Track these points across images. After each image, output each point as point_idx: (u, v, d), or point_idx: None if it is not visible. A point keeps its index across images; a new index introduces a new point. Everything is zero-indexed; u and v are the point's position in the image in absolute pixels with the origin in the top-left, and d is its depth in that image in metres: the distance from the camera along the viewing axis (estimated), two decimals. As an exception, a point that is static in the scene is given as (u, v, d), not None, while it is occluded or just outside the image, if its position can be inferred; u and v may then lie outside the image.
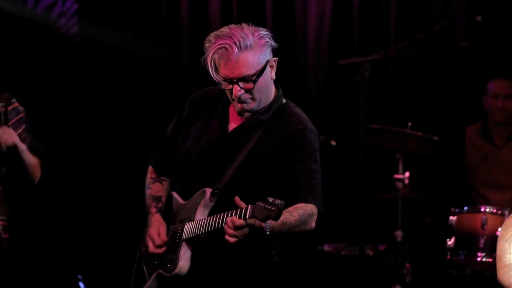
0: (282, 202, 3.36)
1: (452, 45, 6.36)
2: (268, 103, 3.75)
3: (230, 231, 3.48)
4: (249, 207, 3.42)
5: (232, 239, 3.49)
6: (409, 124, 5.94)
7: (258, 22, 3.61)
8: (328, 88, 6.62)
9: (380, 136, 6.03)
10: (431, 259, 6.04)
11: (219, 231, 3.52)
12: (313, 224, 3.61)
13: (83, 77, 6.77)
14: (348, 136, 6.11)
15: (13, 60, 6.31)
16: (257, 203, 3.40)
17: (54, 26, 6.82)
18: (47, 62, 6.65)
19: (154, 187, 3.99)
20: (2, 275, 4.32)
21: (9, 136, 4.10)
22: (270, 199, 3.37)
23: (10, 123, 4.24)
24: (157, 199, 3.94)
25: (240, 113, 3.76)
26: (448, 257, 5.43)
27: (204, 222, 3.64)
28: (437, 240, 5.85)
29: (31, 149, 4.27)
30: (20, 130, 4.28)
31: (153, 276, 3.83)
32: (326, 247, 6.28)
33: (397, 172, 6.01)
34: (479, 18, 6.23)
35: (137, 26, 6.87)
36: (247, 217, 3.41)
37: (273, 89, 3.76)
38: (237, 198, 3.50)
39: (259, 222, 3.47)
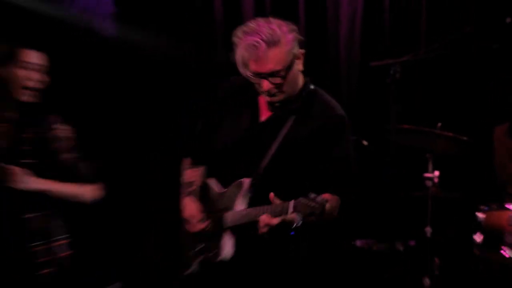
0: (325, 199, 3.37)
1: (481, 46, 6.30)
2: (297, 92, 3.78)
3: (262, 229, 3.56)
4: (291, 202, 3.44)
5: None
6: (439, 124, 5.90)
7: (291, 21, 3.59)
8: (360, 89, 6.63)
9: (411, 136, 5.96)
10: (459, 255, 6.03)
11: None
12: (336, 213, 3.62)
13: (119, 77, 6.80)
14: (379, 136, 6.04)
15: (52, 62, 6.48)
16: (299, 199, 3.42)
17: (92, 28, 6.81)
18: (85, 63, 6.68)
19: (187, 174, 4.09)
20: None
21: (21, 182, 4.07)
22: (312, 195, 3.38)
23: (53, 146, 4.25)
24: (189, 184, 4.00)
25: (270, 103, 3.78)
26: (476, 253, 5.45)
27: (246, 213, 3.73)
28: (465, 237, 5.81)
29: (80, 177, 4.30)
30: (62, 156, 4.29)
31: (197, 261, 3.92)
32: (358, 243, 6.26)
33: (427, 171, 5.96)
34: (508, 19, 6.20)
35: (172, 27, 6.87)
36: (289, 212, 3.42)
37: (301, 79, 3.79)
38: (271, 195, 3.52)
39: (289, 217, 3.49)
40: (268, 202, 3.62)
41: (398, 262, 6.05)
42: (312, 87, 3.84)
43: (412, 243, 6.15)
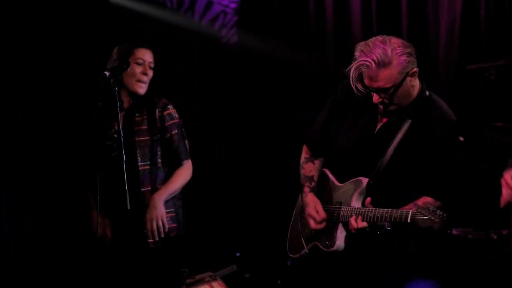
0: (445, 214, 3.56)
1: None
2: (410, 101, 3.94)
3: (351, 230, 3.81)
4: (410, 212, 3.62)
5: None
6: (529, 122, 5.98)
7: (394, 28, 3.85)
8: (457, 90, 6.63)
9: (503, 133, 5.91)
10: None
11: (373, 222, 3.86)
12: None
13: (240, 81, 7.29)
14: (473, 132, 5.87)
15: (179, 67, 6.89)
16: (418, 210, 3.58)
17: (216, 37, 7.31)
18: (209, 68, 7.10)
19: (307, 167, 4.26)
20: (168, 260, 4.71)
21: (157, 219, 4.53)
22: (431, 208, 3.54)
23: (166, 124, 4.66)
24: (310, 179, 4.19)
25: (384, 110, 3.99)
26: None
27: (363, 211, 3.90)
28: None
29: (176, 154, 4.67)
30: (172, 133, 4.68)
31: (310, 246, 4.13)
32: (455, 231, 6.05)
33: (519, 165, 6.03)
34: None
35: (288, 35, 7.21)
36: (408, 221, 3.64)
37: (415, 89, 3.94)
38: (367, 200, 3.75)
39: (380, 223, 3.75)
40: (383, 203, 3.85)
41: (491, 250, 6.04)
42: (427, 93, 3.99)
43: (505, 232, 5.97)
